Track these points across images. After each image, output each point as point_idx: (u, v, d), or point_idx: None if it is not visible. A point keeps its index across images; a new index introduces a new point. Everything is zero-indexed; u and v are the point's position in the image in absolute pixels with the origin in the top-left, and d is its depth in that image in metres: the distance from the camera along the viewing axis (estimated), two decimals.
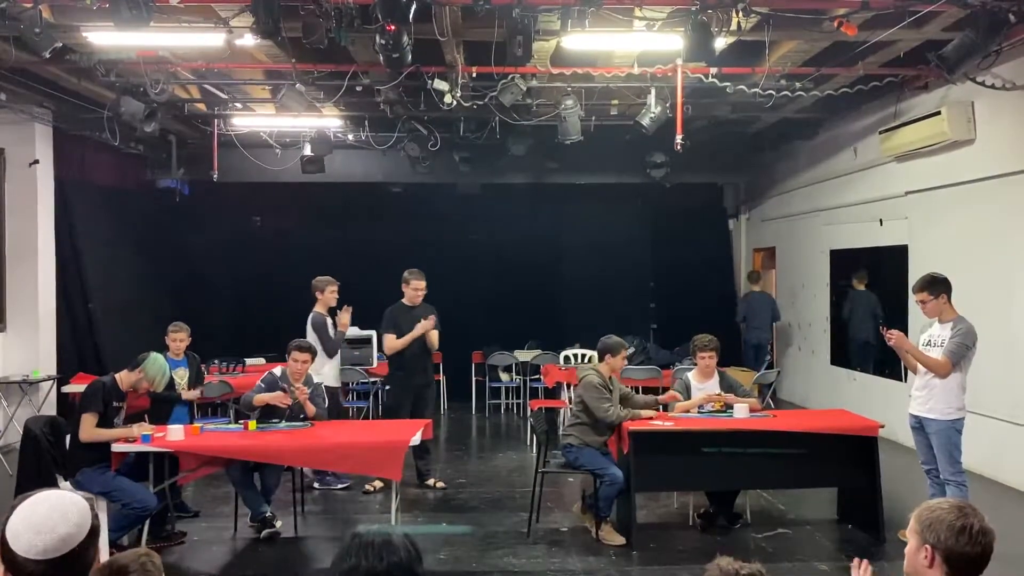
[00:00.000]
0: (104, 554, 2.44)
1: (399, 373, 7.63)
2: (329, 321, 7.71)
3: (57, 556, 1.93)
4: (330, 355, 7.66)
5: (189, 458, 5.80)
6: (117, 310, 10.48)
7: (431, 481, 7.60)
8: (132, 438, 5.61)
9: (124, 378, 5.77)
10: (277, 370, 6.62)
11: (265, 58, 7.84)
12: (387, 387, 7.69)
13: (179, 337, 6.88)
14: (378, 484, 7.38)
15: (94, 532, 2.02)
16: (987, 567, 2.31)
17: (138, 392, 5.90)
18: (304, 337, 7.28)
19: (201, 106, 9.77)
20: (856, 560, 2.58)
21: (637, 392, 7.11)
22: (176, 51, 7.47)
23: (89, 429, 5.55)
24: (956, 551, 2.28)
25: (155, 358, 5.84)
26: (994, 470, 7.44)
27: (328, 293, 7.74)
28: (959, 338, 5.55)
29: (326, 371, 7.48)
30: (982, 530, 2.29)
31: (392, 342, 7.49)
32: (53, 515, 1.97)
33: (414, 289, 7.59)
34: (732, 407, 6.32)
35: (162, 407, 6.41)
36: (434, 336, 7.57)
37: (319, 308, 7.72)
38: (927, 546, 2.32)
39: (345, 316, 7.84)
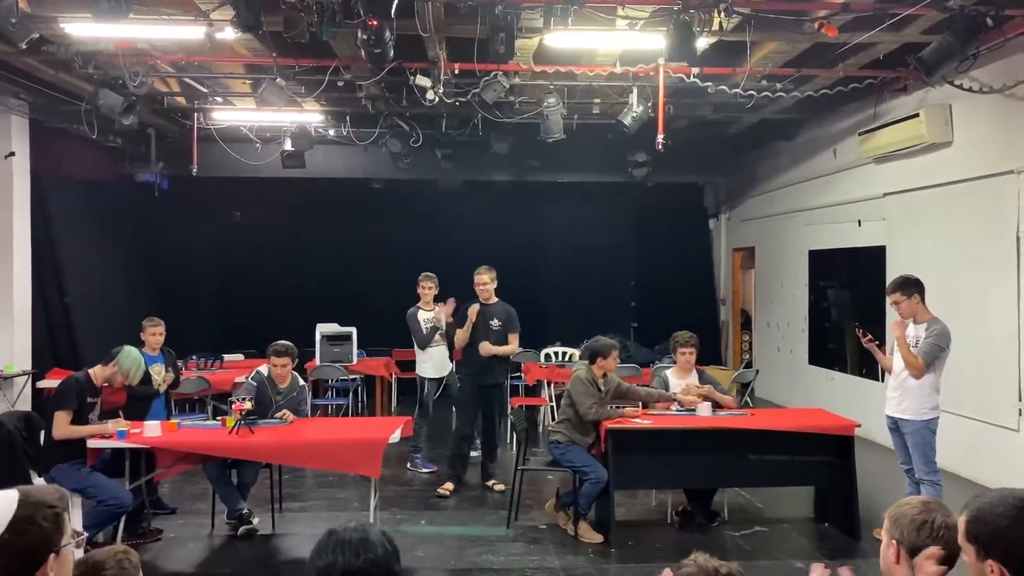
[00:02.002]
0: (79, 552, 2.35)
1: (467, 371, 7.63)
2: (421, 314, 7.97)
3: None
4: (421, 347, 7.95)
5: (166, 454, 5.75)
6: (94, 305, 10.37)
7: (491, 483, 7.52)
8: (108, 434, 5.55)
9: (98, 373, 5.71)
10: (264, 369, 6.51)
11: (246, 52, 7.79)
12: (457, 384, 7.89)
13: (156, 331, 6.78)
14: (450, 487, 7.34)
15: (28, 519, 1.90)
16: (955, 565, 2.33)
17: (113, 386, 5.84)
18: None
19: (181, 100, 9.69)
20: (814, 565, 2.59)
21: None
22: (155, 44, 7.40)
23: (63, 426, 5.49)
24: (918, 546, 2.29)
25: (129, 351, 5.77)
26: (969, 469, 7.53)
27: (420, 288, 8.03)
28: (933, 339, 5.61)
29: (422, 364, 7.95)
30: (944, 525, 2.29)
31: (461, 338, 7.49)
32: None
33: (481, 285, 7.53)
34: (696, 407, 6.36)
35: (139, 403, 6.32)
36: (513, 343, 7.56)
37: (422, 304, 8.06)
38: (893, 541, 2.34)
39: (440, 311, 7.94)
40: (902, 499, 2.42)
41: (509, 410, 8.69)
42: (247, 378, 6.55)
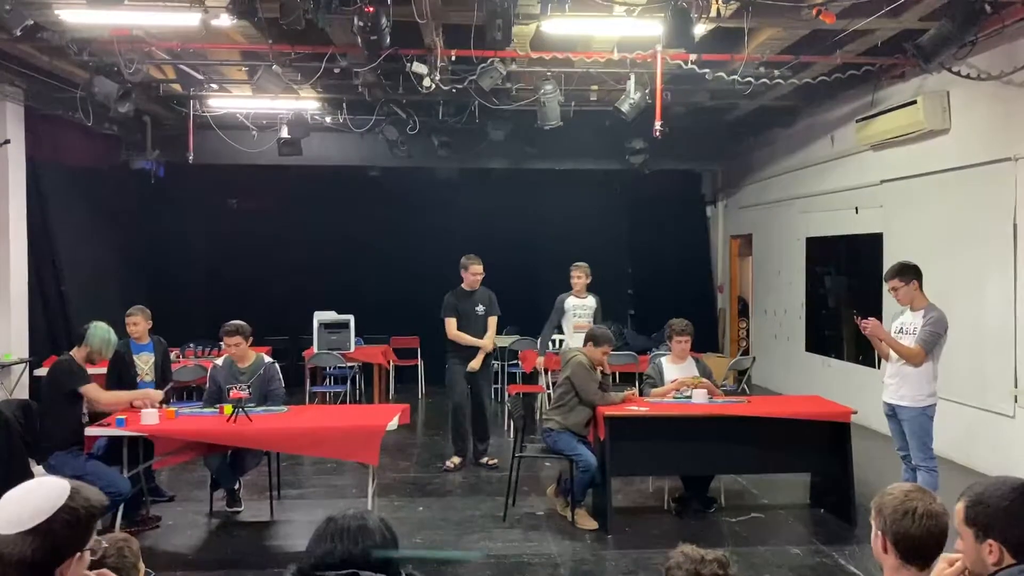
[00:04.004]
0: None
1: (456, 358, 7.88)
2: (569, 300, 8.26)
3: (29, 528, 1.88)
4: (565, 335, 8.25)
5: (163, 442, 5.76)
6: (90, 292, 10.35)
7: (484, 459, 7.90)
8: (152, 401, 5.77)
9: (76, 355, 5.74)
10: (219, 360, 6.55)
11: (241, 39, 7.75)
12: (446, 366, 8.06)
13: (131, 321, 6.58)
14: (456, 460, 7.79)
15: (73, 511, 1.93)
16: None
17: (94, 365, 5.86)
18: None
19: (176, 87, 9.64)
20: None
21: (614, 377, 7.16)
22: (151, 30, 7.37)
23: (100, 394, 5.65)
24: (900, 534, 2.29)
25: (96, 328, 5.75)
26: (965, 456, 7.56)
27: (573, 278, 8.30)
28: (930, 326, 5.62)
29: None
30: (926, 513, 2.29)
31: (452, 328, 7.81)
32: (21, 490, 1.94)
33: (472, 274, 7.87)
34: (691, 393, 6.40)
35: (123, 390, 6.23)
36: (491, 326, 7.94)
37: (575, 292, 8.27)
38: (879, 532, 2.35)
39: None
40: (885, 488, 2.41)
41: (507, 397, 8.76)
42: (211, 380, 6.53)
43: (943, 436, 6.18)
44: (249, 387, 6.28)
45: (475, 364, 7.76)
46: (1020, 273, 7.04)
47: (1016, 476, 2.34)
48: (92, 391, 5.66)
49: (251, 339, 6.48)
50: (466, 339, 7.78)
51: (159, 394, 6.02)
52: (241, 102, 9.98)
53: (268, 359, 6.63)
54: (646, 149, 11.05)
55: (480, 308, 7.89)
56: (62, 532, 1.91)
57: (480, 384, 7.97)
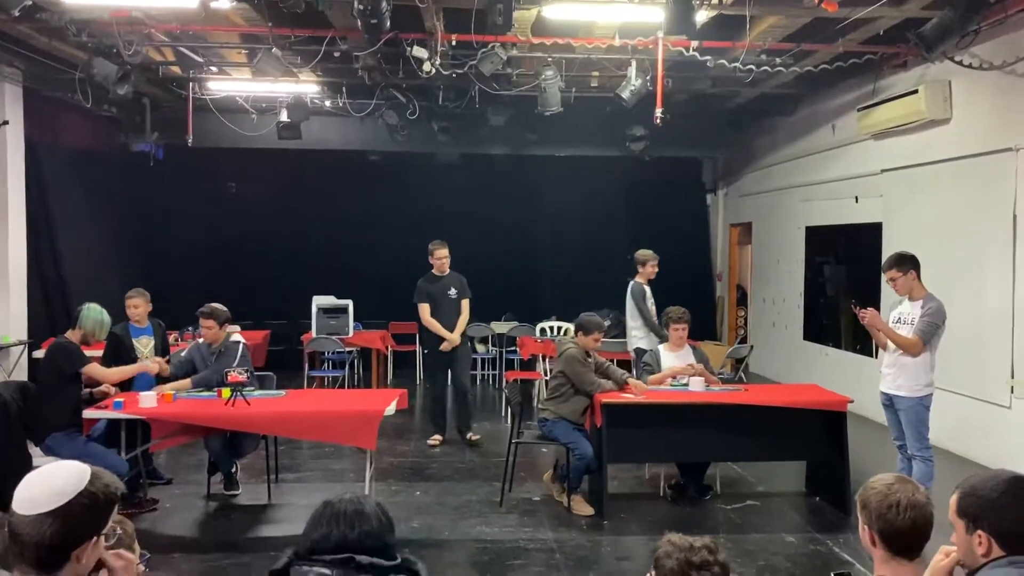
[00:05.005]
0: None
1: (431, 342, 8.21)
2: (647, 291, 8.17)
3: (48, 510, 1.89)
4: (646, 322, 8.11)
5: (161, 425, 5.77)
6: (89, 275, 10.34)
7: (469, 435, 8.22)
8: (152, 372, 5.91)
9: (71, 338, 5.76)
10: (202, 339, 6.55)
11: (241, 21, 7.72)
12: (425, 351, 8.35)
13: (131, 304, 6.55)
14: (438, 438, 8.13)
15: (92, 495, 1.95)
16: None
17: (89, 347, 5.88)
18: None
19: (176, 69, 9.60)
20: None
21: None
22: (150, 12, 7.33)
23: (103, 372, 5.70)
24: (886, 527, 2.29)
25: (89, 310, 5.76)
26: (961, 446, 7.58)
27: (649, 266, 8.21)
28: (929, 317, 5.62)
29: (636, 334, 8.11)
30: (910, 504, 2.29)
31: (425, 314, 8.11)
32: (42, 473, 1.96)
33: (437, 258, 8.15)
34: (688, 381, 6.41)
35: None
36: (464, 309, 8.20)
37: (639, 279, 8.19)
38: (865, 525, 2.35)
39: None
40: (868, 482, 2.41)
41: (505, 383, 8.79)
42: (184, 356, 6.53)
43: (939, 426, 6.19)
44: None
45: (445, 346, 8.04)
46: (1019, 264, 7.03)
47: (1012, 469, 2.34)
48: (94, 370, 5.72)
49: (226, 324, 6.43)
50: (436, 327, 8.07)
51: (161, 361, 6.06)
52: (241, 85, 9.95)
53: (234, 338, 6.56)
54: (647, 136, 11.02)
55: (452, 292, 8.16)
56: (80, 515, 1.92)
57: (459, 370, 8.26)
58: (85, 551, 1.95)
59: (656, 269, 8.26)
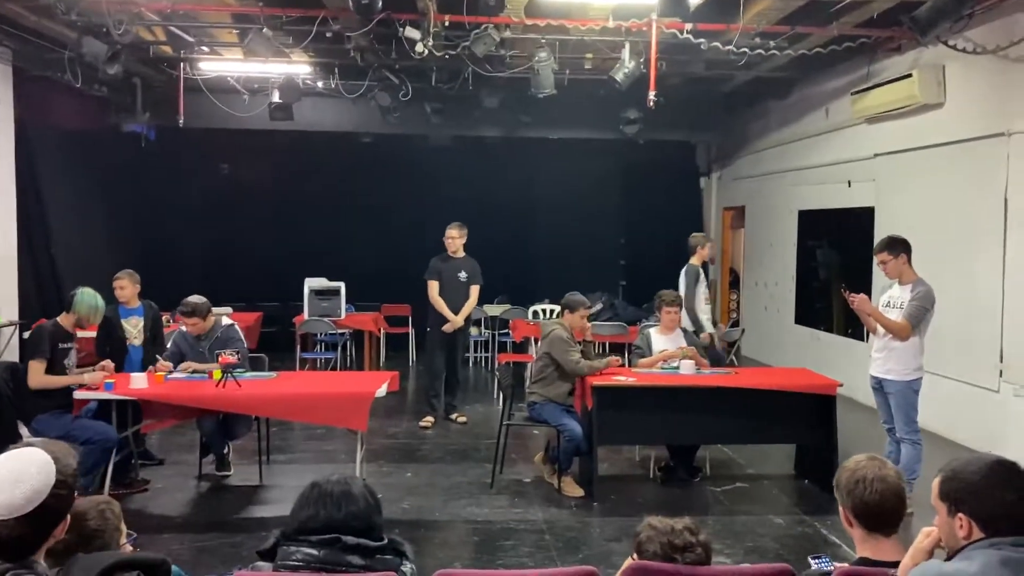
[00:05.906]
0: None
1: (435, 326, 8.23)
2: (701, 273, 8.17)
3: (24, 514, 1.91)
4: (684, 304, 7.94)
5: (152, 407, 5.77)
6: (80, 256, 10.30)
7: (454, 415, 8.34)
8: (87, 384, 5.55)
9: (64, 321, 5.72)
10: (176, 333, 6.52)
11: (232, 1, 7.65)
12: (427, 329, 8.42)
13: (118, 285, 6.52)
14: (430, 420, 8.18)
15: (64, 484, 1.98)
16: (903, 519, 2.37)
17: (84, 330, 5.84)
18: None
19: (167, 49, 9.53)
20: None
21: (604, 348, 7.19)
22: None
23: (38, 376, 5.48)
24: (855, 502, 2.32)
25: (83, 294, 5.72)
26: (949, 429, 7.63)
27: (705, 249, 8.22)
28: (918, 301, 5.65)
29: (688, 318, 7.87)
30: (876, 478, 2.31)
31: (433, 291, 8.15)
32: (11, 474, 1.93)
33: (447, 238, 8.21)
34: (679, 364, 6.41)
35: (114, 356, 6.14)
36: (473, 294, 8.25)
37: (695, 261, 8.14)
38: (841, 506, 2.38)
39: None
40: (843, 464, 2.43)
41: (497, 365, 8.83)
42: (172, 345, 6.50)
43: (928, 409, 6.23)
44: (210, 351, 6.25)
45: (447, 327, 8.11)
46: (1010, 248, 7.06)
47: (996, 453, 2.36)
48: (32, 368, 5.51)
49: (210, 312, 6.44)
50: (441, 306, 8.11)
51: (100, 376, 5.67)
52: (232, 65, 9.88)
53: (227, 321, 6.57)
54: (640, 119, 10.98)
55: (462, 275, 8.18)
56: (55, 506, 1.96)
57: (456, 349, 8.39)
58: (63, 530, 2.02)
59: (709, 251, 8.28)
